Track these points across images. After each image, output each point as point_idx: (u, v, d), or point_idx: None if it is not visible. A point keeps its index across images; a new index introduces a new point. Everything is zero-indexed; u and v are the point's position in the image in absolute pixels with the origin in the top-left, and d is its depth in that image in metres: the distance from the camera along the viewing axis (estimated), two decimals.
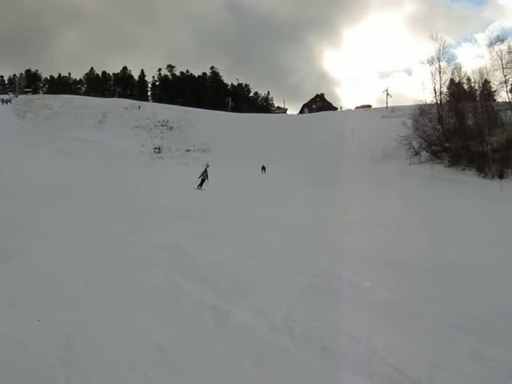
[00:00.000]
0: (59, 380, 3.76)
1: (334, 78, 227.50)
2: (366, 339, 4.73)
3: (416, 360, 4.26)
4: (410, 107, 69.92)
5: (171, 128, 79.81)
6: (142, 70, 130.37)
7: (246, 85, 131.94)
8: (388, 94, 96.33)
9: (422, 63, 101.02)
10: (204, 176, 30.01)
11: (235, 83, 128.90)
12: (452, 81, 69.71)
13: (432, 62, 68.29)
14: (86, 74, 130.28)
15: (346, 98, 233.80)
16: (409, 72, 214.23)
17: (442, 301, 6.23)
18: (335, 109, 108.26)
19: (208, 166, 31.24)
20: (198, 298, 6.10)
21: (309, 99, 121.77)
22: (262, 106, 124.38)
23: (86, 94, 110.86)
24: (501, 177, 52.17)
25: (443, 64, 68.50)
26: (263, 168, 51.61)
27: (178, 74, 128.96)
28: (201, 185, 29.24)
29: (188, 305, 5.82)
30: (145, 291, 6.42)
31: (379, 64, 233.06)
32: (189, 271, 7.64)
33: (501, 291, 6.92)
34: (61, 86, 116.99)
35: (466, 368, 4.13)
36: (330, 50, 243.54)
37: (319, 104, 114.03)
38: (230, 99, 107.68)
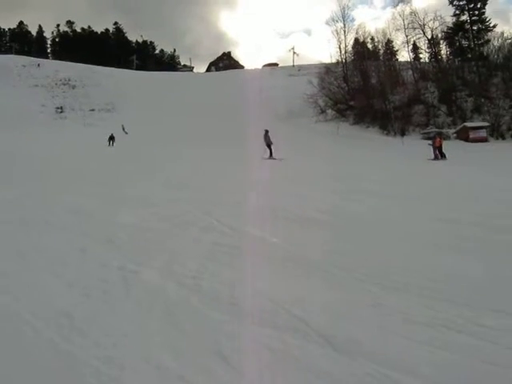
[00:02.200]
0: None
1: (232, 38, 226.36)
2: (273, 294, 4.79)
3: (320, 311, 4.37)
4: (316, 66, 70.98)
5: (74, 87, 76.92)
6: (40, 26, 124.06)
7: (151, 42, 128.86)
8: (294, 53, 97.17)
9: (327, 23, 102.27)
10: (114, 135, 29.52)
11: (140, 40, 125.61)
12: (356, 40, 71.16)
13: (337, 21, 69.24)
14: None
15: (249, 58, 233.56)
16: (308, 32, 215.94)
17: (347, 254, 6.36)
18: (242, 67, 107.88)
19: (123, 127, 30.72)
20: (105, 260, 5.98)
21: (215, 57, 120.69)
22: (169, 64, 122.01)
23: None
24: (402, 134, 54.14)
25: (348, 23, 69.60)
26: (110, 139, 39.12)
27: (78, 30, 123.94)
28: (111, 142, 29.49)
29: (94, 267, 5.68)
30: (48, 255, 6.23)
31: (278, 24, 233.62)
32: (94, 233, 7.48)
33: (400, 244, 7.11)
34: None
35: (367, 316, 4.29)
36: (228, 11, 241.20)
37: (226, 62, 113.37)
38: (134, 57, 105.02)
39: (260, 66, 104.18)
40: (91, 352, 3.62)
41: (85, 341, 3.80)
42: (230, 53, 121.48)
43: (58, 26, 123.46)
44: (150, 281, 5.19)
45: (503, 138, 52.79)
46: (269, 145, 27.50)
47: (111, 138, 38.97)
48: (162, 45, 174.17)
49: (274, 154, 26.74)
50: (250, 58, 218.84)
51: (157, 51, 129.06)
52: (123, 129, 47.47)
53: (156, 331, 3.97)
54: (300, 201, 11.06)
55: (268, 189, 13.16)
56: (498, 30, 67.53)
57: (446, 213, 9.70)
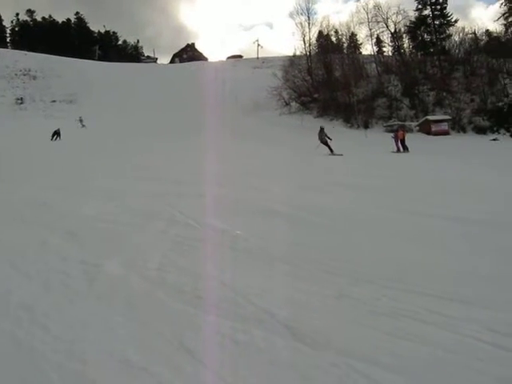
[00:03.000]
0: None
1: (194, 30, 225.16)
2: (238, 286, 4.78)
3: (285, 303, 4.36)
4: (280, 58, 71.04)
5: (34, 77, 75.46)
6: None
7: (114, 33, 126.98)
8: (259, 45, 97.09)
9: (291, 16, 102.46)
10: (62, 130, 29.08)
11: (102, 31, 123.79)
12: (320, 33, 71.41)
13: (301, 14, 69.41)
14: None
15: (213, 50, 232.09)
16: (270, 26, 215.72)
17: (312, 247, 6.37)
18: (206, 59, 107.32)
19: (81, 119, 30.18)
20: (66, 253, 5.88)
21: (179, 49, 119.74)
22: (132, 55, 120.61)
23: None
24: (366, 126, 54.64)
25: (312, 16, 69.86)
26: (55, 134, 36.38)
27: (39, 19, 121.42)
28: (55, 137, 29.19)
29: (55, 261, 5.58)
30: (7, 248, 6.10)
31: (240, 17, 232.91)
32: (55, 226, 7.36)
33: (364, 235, 7.17)
34: None
35: (332, 308, 4.32)
36: (189, 3, 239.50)
37: (190, 54, 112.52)
38: (97, 47, 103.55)
39: (224, 58, 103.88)
40: (53, 346, 3.55)
41: (46, 334, 3.73)
42: (193, 44, 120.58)
43: (18, 14, 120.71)
44: (112, 274, 5.11)
45: (464, 131, 53.67)
46: (325, 142, 27.35)
47: (56, 133, 36.18)
48: (125, 36, 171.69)
49: (330, 150, 26.91)
50: (214, 50, 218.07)
51: (120, 42, 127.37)
52: (81, 121, 46.17)
53: (119, 324, 3.91)
54: (263, 193, 11.06)
55: (231, 181, 13.14)
56: (458, 25, 68.68)
57: (412, 204, 9.82)
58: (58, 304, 4.32)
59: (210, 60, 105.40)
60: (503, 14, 70.46)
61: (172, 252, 6.04)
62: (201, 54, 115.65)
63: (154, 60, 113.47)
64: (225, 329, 3.85)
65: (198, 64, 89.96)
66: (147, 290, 4.70)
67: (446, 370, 3.25)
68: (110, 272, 5.17)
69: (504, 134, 52.08)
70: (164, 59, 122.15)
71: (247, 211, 8.84)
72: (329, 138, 27.39)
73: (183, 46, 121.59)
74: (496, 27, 70.69)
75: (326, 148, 26.61)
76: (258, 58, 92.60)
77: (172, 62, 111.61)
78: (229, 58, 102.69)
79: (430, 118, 53.09)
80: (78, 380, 3.15)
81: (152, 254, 5.92)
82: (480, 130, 53.41)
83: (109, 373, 3.22)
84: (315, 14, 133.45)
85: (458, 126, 54.06)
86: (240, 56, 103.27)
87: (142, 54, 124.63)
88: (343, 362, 3.32)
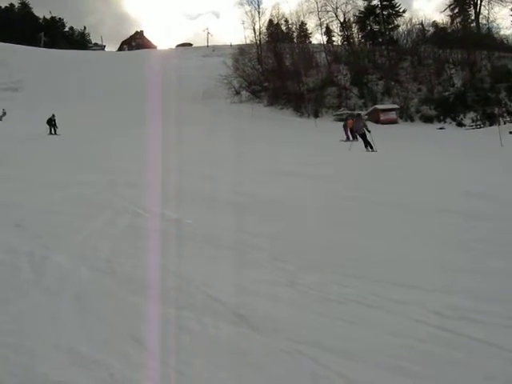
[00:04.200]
0: None
1: (141, 19, 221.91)
2: (189, 275, 4.78)
3: (236, 291, 4.40)
4: (230, 47, 70.59)
5: None
6: None
7: (60, 19, 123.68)
8: (209, 33, 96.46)
9: (240, 3, 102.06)
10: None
11: (48, 17, 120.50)
12: (271, 22, 71.35)
13: (251, 2, 69.32)
14: None
15: (162, 38, 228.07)
16: (217, 14, 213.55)
17: (263, 234, 6.44)
18: (155, 47, 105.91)
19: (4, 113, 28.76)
20: (13, 245, 5.74)
21: (128, 36, 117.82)
22: (79, 42, 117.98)
23: None
24: (316, 115, 54.98)
25: (261, 5, 69.75)
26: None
27: None
28: None
29: (1, 253, 5.44)
30: None
31: (186, 6, 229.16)
32: (1, 218, 7.14)
33: (315, 223, 7.27)
34: None
35: (283, 295, 4.36)
36: None
37: (139, 41, 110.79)
38: (42, 34, 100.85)
39: (174, 46, 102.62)
40: None
41: None
42: (142, 32, 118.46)
43: None
44: (61, 266, 5.02)
45: (412, 120, 54.75)
46: (362, 134, 23.64)
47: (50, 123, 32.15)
48: (72, 22, 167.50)
49: (368, 145, 23.15)
50: (162, 38, 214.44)
51: (66, 29, 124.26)
52: (4, 114, 42.36)
53: (68, 317, 3.86)
54: (213, 182, 11.09)
55: (179, 169, 13.04)
56: (406, 15, 69.81)
57: (360, 191, 9.99)
58: (4, 297, 4.23)
59: (159, 48, 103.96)
60: (449, 6, 72.01)
61: (121, 242, 6.00)
62: (150, 41, 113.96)
63: (102, 47, 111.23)
64: (175, 318, 3.84)
65: (147, 52, 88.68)
66: (96, 281, 4.65)
67: (392, 352, 3.33)
68: (58, 264, 5.08)
69: (450, 122, 53.41)
70: (112, 47, 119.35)
71: (195, 199, 8.87)
72: (368, 129, 23.41)
73: (131, 33, 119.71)
74: (442, 18, 72.29)
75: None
76: (208, 46, 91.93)
77: (120, 49, 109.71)
78: (178, 46, 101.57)
79: (379, 107, 53.89)
80: (28, 374, 3.08)
81: (102, 244, 5.86)
82: (427, 119, 54.64)
83: (59, 366, 3.16)
84: (261, 3, 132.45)
85: (405, 114, 55.09)
86: (190, 44, 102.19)
87: (89, 42, 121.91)
88: (294, 349, 3.37)
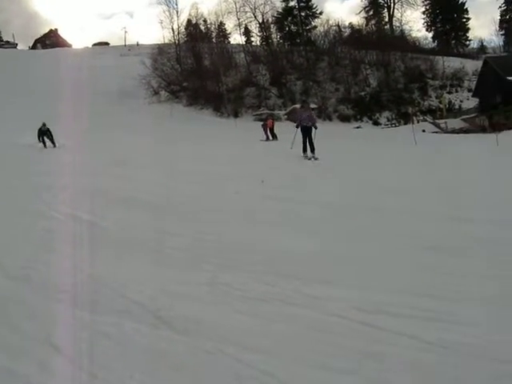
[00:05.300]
0: None
1: (52, 17, 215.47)
2: (107, 278, 4.68)
3: (156, 292, 4.33)
4: (149, 46, 69.80)
5: None
6: None
7: None
8: (126, 32, 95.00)
9: (159, 3, 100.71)
10: None
11: None
12: (189, 21, 71.07)
13: (169, 1, 68.78)
14: None
15: (77, 37, 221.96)
16: (131, 14, 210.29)
17: (184, 235, 6.40)
18: (70, 46, 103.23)
19: None
20: None
21: (41, 35, 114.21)
22: None
23: None
24: (235, 115, 55.23)
25: (179, 5, 69.47)
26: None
27: None
28: None
29: None
30: None
31: (98, 6, 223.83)
32: None
33: (234, 222, 7.29)
34: None
35: (204, 295, 4.33)
36: None
37: (53, 40, 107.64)
38: None
39: (90, 45, 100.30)
40: None
41: None
42: (56, 30, 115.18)
43: None
44: None
45: (330, 119, 55.95)
46: (306, 129, 17.68)
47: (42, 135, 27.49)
48: None
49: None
50: (77, 37, 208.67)
51: None
52: None
53: None
54: (130, 183, 10.94)
55: (96, 171, 12.81)
56: (323, 17, 71.28)
57: (282, 191, 10.07)
58: None
59: (74, 47, 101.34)
60: (364, 8, 74.06)
61: (39, 248, 5.81)
62: (64, 40, 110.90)
63: (14, 45, 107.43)
64: (95, 324, 3.73)
65: (62, 51, 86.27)
66: (12, 289, 4.48)
67: (316, 348, 3.36)
68: None
69: (367, 121, 54.98)
70: (24, 45, 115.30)
71: (115, 201, 8.75)
72: (315, 126, 17.81)
73: (43, 32, 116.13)
74: (358, 20, 74.25)
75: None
76: (125, 45, 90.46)
77: (34, 47, 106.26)
78: (95, 44, 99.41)
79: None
80: None
81: (17, 250, 5.68)
82: (344, 118, 56.07)
83: None
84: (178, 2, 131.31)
85: (324, 114, 56.14)
86: (107, 43, 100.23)
87: (0, 39, 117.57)
88: (216, 348, 3.33)
